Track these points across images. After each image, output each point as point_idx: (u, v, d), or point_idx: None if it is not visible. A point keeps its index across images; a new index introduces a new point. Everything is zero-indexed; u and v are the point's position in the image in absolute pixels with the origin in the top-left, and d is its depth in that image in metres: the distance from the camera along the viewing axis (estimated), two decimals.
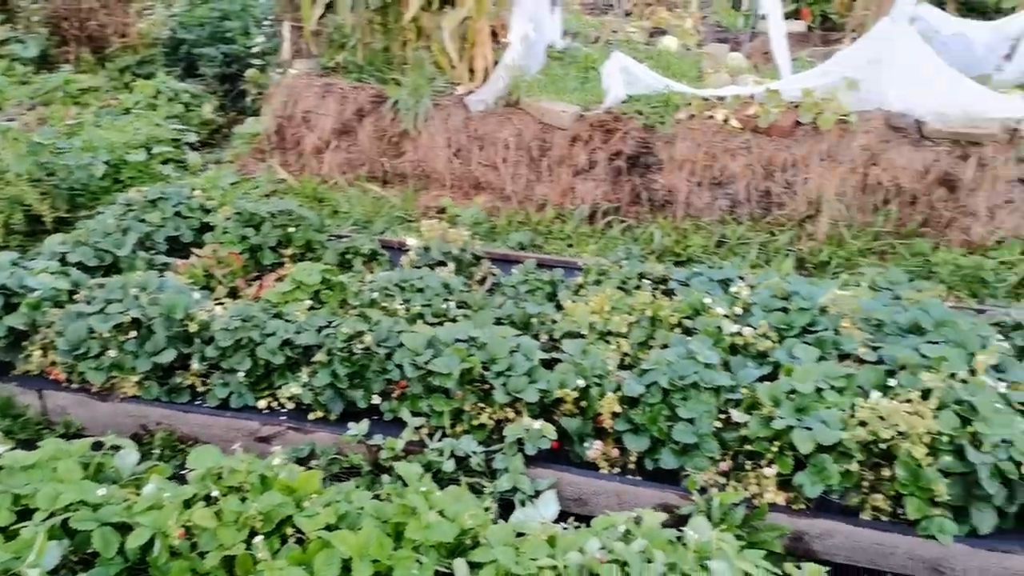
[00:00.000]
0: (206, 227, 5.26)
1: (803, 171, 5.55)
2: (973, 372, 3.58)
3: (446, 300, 4.33)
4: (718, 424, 3.51)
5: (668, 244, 5.73)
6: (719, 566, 2.48)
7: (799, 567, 2.62)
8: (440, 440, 3.49)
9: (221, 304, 4.27)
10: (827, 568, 2.73)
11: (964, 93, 5.28)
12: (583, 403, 3.61)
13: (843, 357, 3.85)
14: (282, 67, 7.24)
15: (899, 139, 5.39)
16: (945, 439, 3.27)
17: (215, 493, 2.66)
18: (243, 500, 2.62)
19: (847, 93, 5.42)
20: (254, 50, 8.53)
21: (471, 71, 6.53)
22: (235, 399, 3.88)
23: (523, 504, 3.19)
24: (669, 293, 4.52)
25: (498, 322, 4.21)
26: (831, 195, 5.50)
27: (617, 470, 3.53)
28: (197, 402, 3.94)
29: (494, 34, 6.85)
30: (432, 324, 4.13)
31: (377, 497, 2.88)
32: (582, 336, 4.10)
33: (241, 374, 3.86)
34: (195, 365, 3.94)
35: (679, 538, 2.71)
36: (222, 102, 8.53)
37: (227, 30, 8.90)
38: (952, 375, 3.53)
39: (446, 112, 6.26)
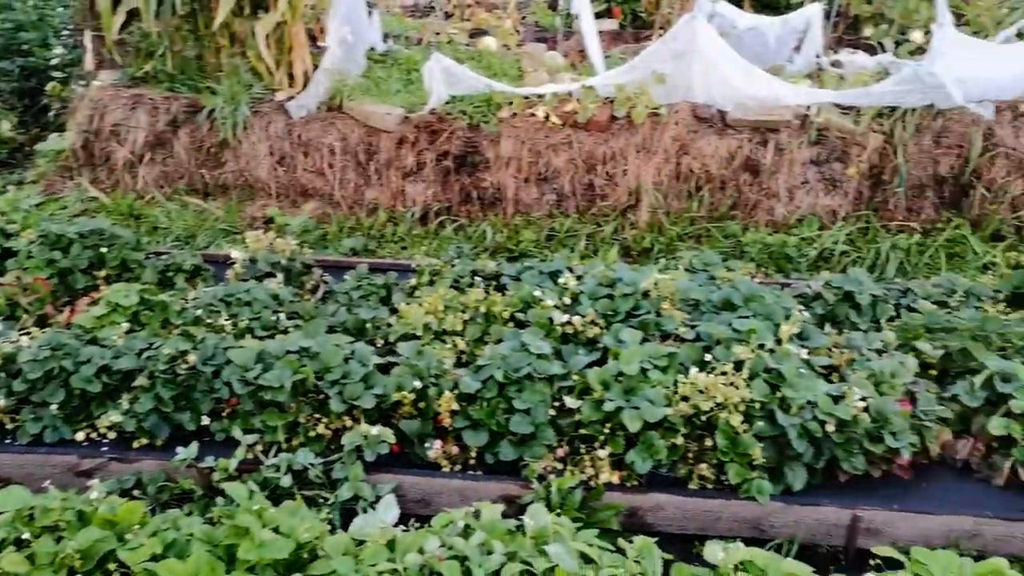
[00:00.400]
0: (8, 253, 4.88)
1: (622, 163, 5.80)
2: (779, 341, 3.87)
3: (276, 312, 4.23)
4: (553, 412, 3.60)
5: (501, 240, 5.84)
6: (556, 549, 2.56)
7: (631, 541, 2.74)
8: (276, 456, 3.41)
9: (28, 334, 3.98)
10: (656, 539, 2.87)
11: (759, 84, 5.68)
12: (421, 404, 3.63)
13: (665, 337, 4.06)
14: (86, 79, 6.82)
15: (705, 129, 5.73)
16: (758, 406, 3.51)
17: (26, 535, 2.48)
18: (59, 540, 2.47)
19: (656, 87, 5.70)
20: (54, 62, 7.98)
21: (290, 77, 6.39)
22: (49, 433, 3.63)
23: (365, 511, 3.16)
24: (502, 289, 4.61)
25: (331, 330, 4.16)
26: (649, 185, 5.77)
27: (459, 467, 3.57)
28: (7, 440, 3.65)
29: (313, 39, 6.74)
30: (262, 338, 4.02)
31: (209, 521, 2.78)
32: (417, 337, 4.12)
33: (54, 406, 3.62)
34: (1, 401, 3.66)
35: (519, 527, 2.77)
36: (22, 118, 7.93)
37: (23, 42, 8.26)
38: (761, 346, 3.78)
39: (266, 119, 6.10)
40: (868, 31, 7.34)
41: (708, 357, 3.77)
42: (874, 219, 5.65)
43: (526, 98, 6.01)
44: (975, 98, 5.49)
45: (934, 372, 4.02)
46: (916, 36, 6.78)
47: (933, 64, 5.38)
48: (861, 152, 5.59)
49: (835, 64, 6.48)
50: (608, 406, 3.49)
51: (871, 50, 6.86)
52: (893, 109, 5.60)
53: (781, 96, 5.67)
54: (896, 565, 2.78)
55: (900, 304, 4.51)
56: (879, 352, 4.03)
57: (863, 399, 3.56)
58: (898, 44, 6.90)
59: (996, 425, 3.54)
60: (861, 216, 5.69)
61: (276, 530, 2.56)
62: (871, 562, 3.03)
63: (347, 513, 3.22)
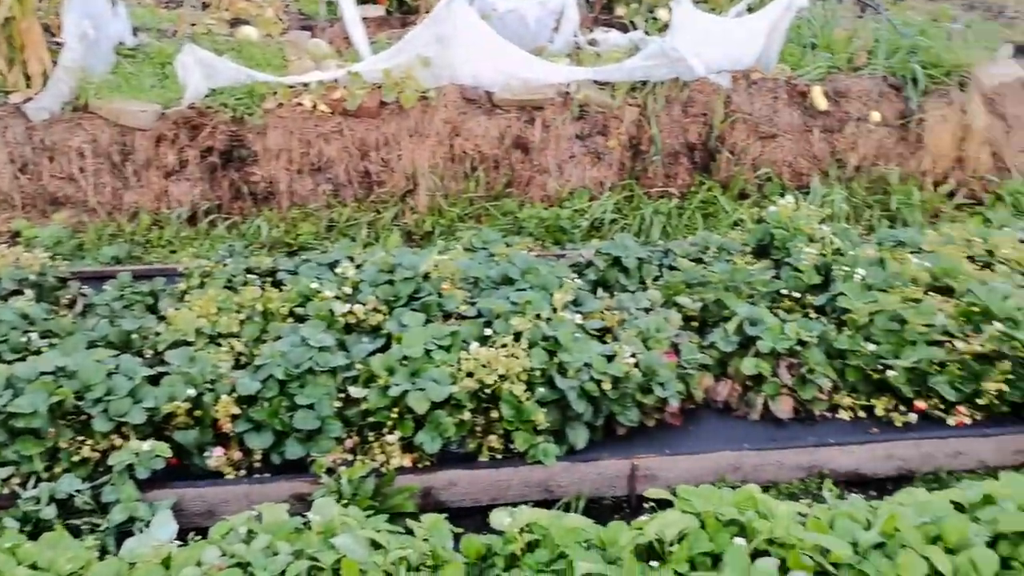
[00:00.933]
0: None
1: (396, 148, 5.78)
2: (555, 310, 4.03)
3: (26, 332, 3.87)
4: (339, 404, 3.57)
5: (278, 235, 5.67)
6: (343, 541, 2.52)
7: (420, 520, 2.76)
8: (35, 487, 3.13)
9: None
10: (451, 515, 2.92)
11: (522, 64, 5.85)
12: (198, 412, 3.46)
13: (447, 317, 4.11)
14: None
15: (474, 110, 5.82)
16: (538, 373, 3.64)
17: None
18: None
19: (422, 71, 5.72)
20: None
21: (26, 77, 5.83)
22: None
23: (143, 532, 2.98)
24: (278, 284, 4.48)
25: (92, 345, 3.86)
26: (425, 168, 5.80)
27: (244, 472, 3.45)
28: None
29: (52, 35, 6.18)
30: (10, 361, 3.67)
31: None
32: (189, 343, 3.92)
33: None
34: None
35: (306, 523, 2.72)
36: None
37: None
38: (538, 316, 3.93)
39: (2, 125, 5.53)
40: (621, 10, 7.72)
41: (489, 332, 3.87)
42: (637, 187, 5.99)
43: (291, 87, 5.84)
44: (714, 69, 5.94)
45: (695, 323, 4.35)
46: (662, 14, 7.22)
47: (675, 39, 5.77)
48: (619, 125, 5.90)
49: (592, 43, 6.78)
50: (394, 391, 3.49)
51: (624, 28, 7.23)
52: (645, 83, 5.96)
53: (543, 75, 5.86)
54: (668, 505, 2.98)
55: (663, 264, 4.83)
56: (646, 310, 4.31)
57: (633, 355, 3.79)
58: (648, 22, 7.33)
59: (748, 366, 3.89)
60: (626, 185, 6.02)
61: (34, 566, 2.36)
62: (645, 505, 3.24)
63: (124, 537, 3.01)
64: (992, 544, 2.59)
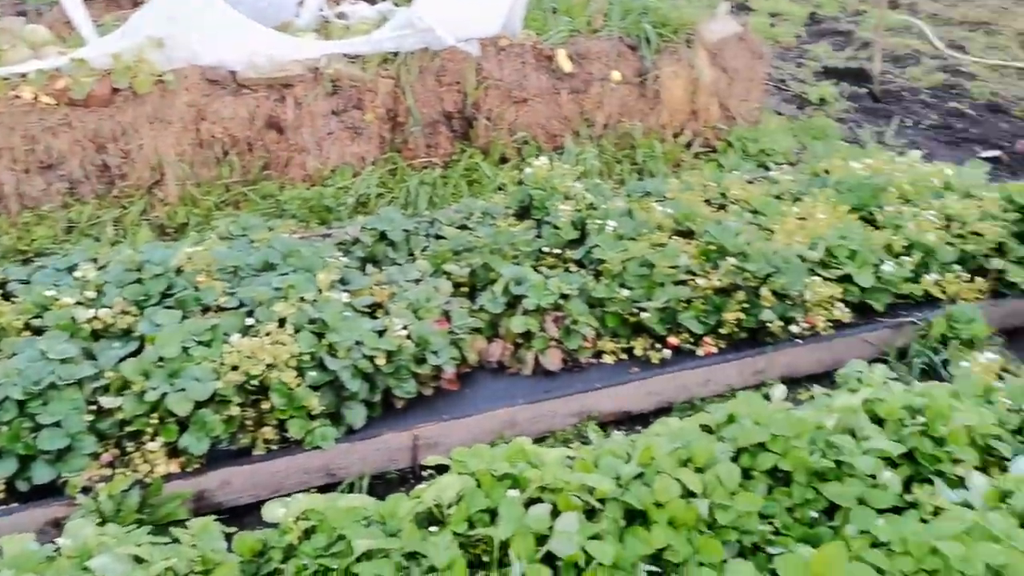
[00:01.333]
0: None
1: (136, 138, 5.37)
2: (320, 291, 3.94)
3: None
4: (91, 417, 3.30)
5: (9, 243, 5.12)
6: (100, 561, 2.35)
7: (187, 526, 2.63)
8: None
9: None
10: (229, 514, 2.79)
11: (265, 41, 5.61)
12: None
13: (206, 310, 3.91)
14: None
15: (219, 91, 5.52)
16: (308, 357, 3.56)
17: None
18: None
19: (155, 53, 5.34)
20: None
21: None
22: None
23: None
24: (9, 297, 4.06)
25: None
26: (171, 157, 5.44)
27: None
28: None
29: None
30: None
31: None
32: None
33: None
34: None
35: (58, 550, 2.50)
36: None
37: None
38: (302, 299, 3.82)
39: None
40: None
41: (251, 321, 3.72)
42: (400, 159, 5.96)
43: (6, 79, 5.26)
44: (462, 37, 5.99)
45: (465, 289, 4.42)
46: None
47: (421, 9, 5.75)
48: (375, 98, 5.82)
49: (340, 16, 6.63)
50: (151, 395, 3.29)
51: (372, 0, 7.13)
52: (396, 54, 5.91)
53: (289, 51, 5.66)
54: (447, 470, 3.02)
55: (430, 234, 4.85)
56: (416, 281, 4.31)
57: (405, 327, 3.79)
58: None
59: (517, 324, 4.01)
60: (388, 158, 5.97)
61: None
62: (424, 473, 3.27)
63: None
64: (735, 458, 2.85)
